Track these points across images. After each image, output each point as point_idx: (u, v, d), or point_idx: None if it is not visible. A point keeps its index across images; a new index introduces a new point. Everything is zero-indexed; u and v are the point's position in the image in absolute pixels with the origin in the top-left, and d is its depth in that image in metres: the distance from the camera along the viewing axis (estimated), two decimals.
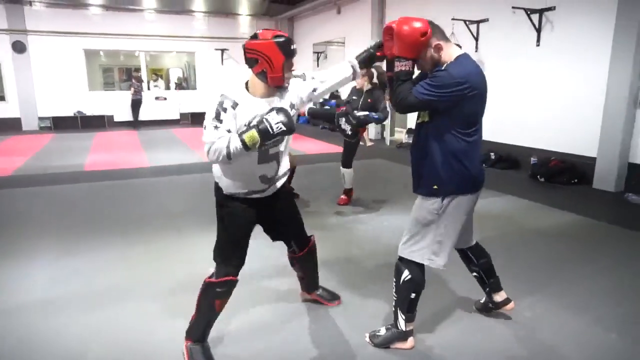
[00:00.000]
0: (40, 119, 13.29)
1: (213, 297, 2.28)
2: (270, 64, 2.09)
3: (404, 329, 2.42)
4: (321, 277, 2.96)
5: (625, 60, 5.60)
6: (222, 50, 15.14)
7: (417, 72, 2.32)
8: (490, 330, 2.63)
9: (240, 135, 2.04)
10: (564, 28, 6.57)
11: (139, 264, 3.61)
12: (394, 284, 2.40)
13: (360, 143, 5.15)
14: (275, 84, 2.16)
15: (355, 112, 4.66)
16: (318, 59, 14.84)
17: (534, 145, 7.10)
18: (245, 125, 2.12)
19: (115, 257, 3.72)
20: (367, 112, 4.59)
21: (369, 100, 4.72)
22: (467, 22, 7.98)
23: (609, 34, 5.79)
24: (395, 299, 2.42)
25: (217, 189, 2.36)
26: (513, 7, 6.99)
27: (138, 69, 14.50)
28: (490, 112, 8.42)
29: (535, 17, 6.86)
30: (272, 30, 2.15)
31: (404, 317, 2.41)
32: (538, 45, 6.94)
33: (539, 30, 6.88)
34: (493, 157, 7.56)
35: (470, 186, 2.28)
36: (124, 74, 16.54)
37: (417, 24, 2.13)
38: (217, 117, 2.09)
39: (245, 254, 2.37)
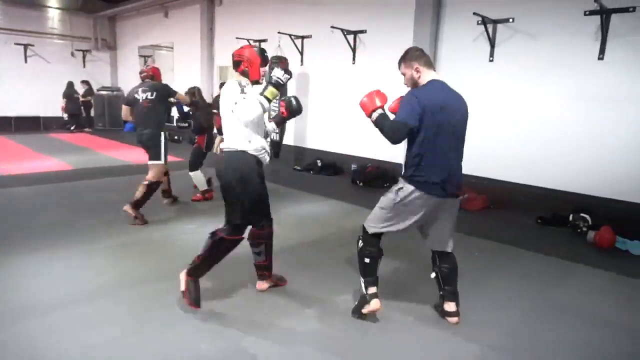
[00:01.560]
0: None
1: (222, 249, 2.93)
2: (250, 66, 2.97)
3: (365, 292, 2.78)
4: (143, 295, 2.73)
5: None
6: (26, 46, 13.07)
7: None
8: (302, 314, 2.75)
9: (261, 94, 2.80)
10: (373, 48, 7.40)
11: None
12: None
13: (213, 151, 5.77)
14: (254, 79, 2.99)
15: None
16: (145, 62, 13.91)
17: (355, 153, 7.79)
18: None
19: None
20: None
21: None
22: (293, 37, 8.40)
23: None
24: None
25: (247, 161, 2.89)
26: (331, 27, 7.59)
27: None
28: (316, 122, 8.91)
29: (350, 38, 7.58)
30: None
31: (363, 281, 2.78)
32: (354, 63, 7.67)
33: (354, 50, 7.61)
34: (319, 164, 8.06)
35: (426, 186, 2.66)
36: None
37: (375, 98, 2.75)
38: (243, 91, 2.83)
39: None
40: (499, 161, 6.07)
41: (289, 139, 8.75)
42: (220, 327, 2.73)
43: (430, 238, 2.88)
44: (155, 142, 4.88)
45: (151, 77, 5.07)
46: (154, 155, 4.90)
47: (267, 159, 3.06)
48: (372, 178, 7.08)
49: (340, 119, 8.05)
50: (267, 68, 3.09)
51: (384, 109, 2.72)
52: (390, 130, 2.62)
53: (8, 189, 5.97)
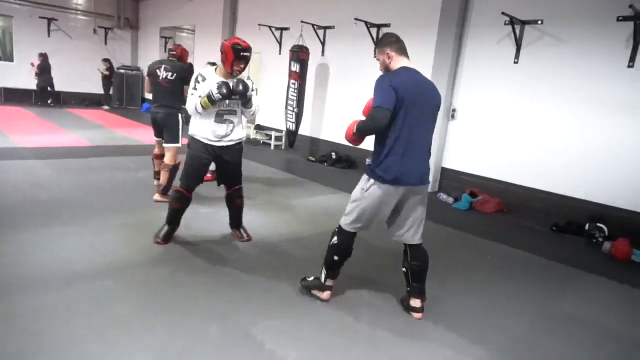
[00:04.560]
0: None
1: (173, 199, 3.70)
2: (224, 57, 3.36)
3: (323, 282, 2.96)
4: (151, 275, 2.73)
5: (441, 77, 6.47)
6: (50, 20, 13.15)
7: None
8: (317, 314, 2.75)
9: (200, 97, 3.35)
10: None
11: None
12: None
13: None
14: (227, 70, 3.40)
15: None
16: (166, 44, 13.94)
17: (368, 147, 7.71)
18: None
19: None
20: None
21: None
22: (315, 27, 8.32)
23: (431, 52, 6.61)
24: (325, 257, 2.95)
25: (190, 134, 3.58)
26: (355, 19, 7.51)
27: None
28: (333, 113, 8.85)
29: (374, 31, 7.48)
30: (238, 39, 3.40)
31: (324, 274, 2.93)
32: (375, 56, 7.57)
33: (376, 42, 7.51)
34: (334, 156, 8.03)
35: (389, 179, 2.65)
36: None
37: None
38: (194, 87, 3.41)
39: (196, 182, 3.67)
40: (515, 165, 5.98)
41: (304, 130, 8.71)
42: (229, 313, 2.73)
43: (399, 229, 2.84)
44: (172, 124, 4.83)
45: (178, 57, 5.03)
46: (171, 137, 4.88)
47: (210, 140, 3.50)
48: None
49: (358, 112, 7.97)
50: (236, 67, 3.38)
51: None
52: (370, 119, 2.60)
53: (24, 161, 6.04)
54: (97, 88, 13.73)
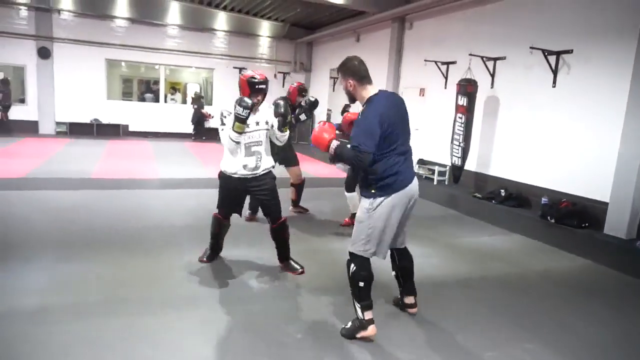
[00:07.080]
0: (57, 123, 13.49)
1: (213, 225, 3.85)
2: (242, 92, 3.54)
3: (363, 318, 2.73)
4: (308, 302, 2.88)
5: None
6: (240, 69, 15.36)
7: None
8: None
9: (231, 128, 3.39)
10: (581, 71, 6.56)
11: (133, 277, 3.56)
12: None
13: None
14: None
15: None
16: (334, 84, 14.99)
17: (546, 185, 7.00)
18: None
19: (111, 269, 3.68)
20: None
21: None
22: (484, 59, 8.02)
23: (627, 79, 5.75)
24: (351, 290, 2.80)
25: (222, 170, 3.67)
26: (531, 47, 7.01)
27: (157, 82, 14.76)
28: (503, 148, 8.32)
29: (552, 59, 6.87)
30: (254, 73, 3.60)
31: (359, 306, 2.74)
32: (554, 86, 6.92)
33: (555, 72, 6.87)
34: (503, 193, 7.46)
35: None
36: (143, 85, 16.81)
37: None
38: (223, 123, 3.49)
39: (231, 210, 3.83)
40: None
41: (470, 165, 8.33)
42: (393, 350, 2.71)
43: (398, 237, 2.94)
44: (284, 149, 4.97)
45: (289, 92, 5.85)
46: (286, 161, 5.62)
47: (242, 174, 3.57)
48: (566, 215, 6.23)
49: (531, 145, 7.34)
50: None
51: (336, 138, 2.86)
52: (353, 160, 2.68)
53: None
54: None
